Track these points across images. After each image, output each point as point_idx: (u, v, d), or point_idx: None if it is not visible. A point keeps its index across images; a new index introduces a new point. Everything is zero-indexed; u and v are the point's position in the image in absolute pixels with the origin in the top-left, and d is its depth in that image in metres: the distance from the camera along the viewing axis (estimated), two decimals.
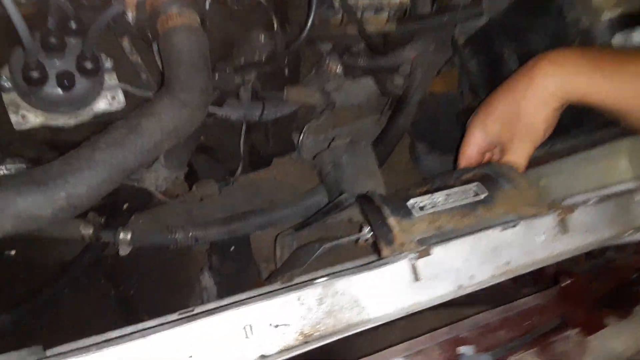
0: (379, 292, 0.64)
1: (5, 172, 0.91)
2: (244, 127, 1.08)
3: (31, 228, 0.57)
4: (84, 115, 0.91)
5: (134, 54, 0.92)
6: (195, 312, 0.75)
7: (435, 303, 0.65)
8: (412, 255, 0.66)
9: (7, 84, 0.84)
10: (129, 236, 1.06)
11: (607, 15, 0.92)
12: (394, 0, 1.05)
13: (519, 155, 0.89)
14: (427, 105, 1.26)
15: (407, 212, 0.73)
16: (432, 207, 0.76)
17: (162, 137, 0.68)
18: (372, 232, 0.93)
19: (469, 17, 1.15)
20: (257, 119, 1.08)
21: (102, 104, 0.91)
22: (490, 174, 0.85)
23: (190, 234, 1.07)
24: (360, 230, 0.96)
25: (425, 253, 0.66)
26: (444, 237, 0.73)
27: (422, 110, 1.25)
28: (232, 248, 1.22)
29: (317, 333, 0.59)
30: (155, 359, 0.51)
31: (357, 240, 0.95)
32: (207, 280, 1.26)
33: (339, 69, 1.14)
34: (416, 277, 0.65)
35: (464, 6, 1.14)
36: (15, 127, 0.84)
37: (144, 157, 0.66)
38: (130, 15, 0.77)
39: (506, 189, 0.82)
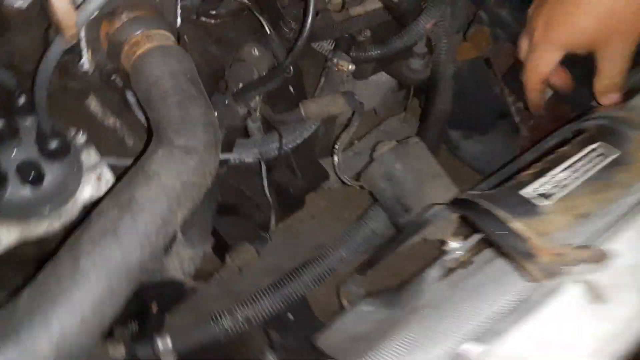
0: (553, 342, 0.41)
1: None
2: (263, 168, 0.87)
3: None
4: (70, 210, 0.71)
5: (109, 117, 0.72)
6: None
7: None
8: (577, 268, 0.43)
9: None
10: (169, 343, 0.85)
11: None
12: None
13: (615, 64, 0.68)
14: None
15: (529, 207, 0.51)
16: (558, 189, 0.54)
17: (170, 207, 0.47)
18: (464, 244, 0.71)
19: None
20: (276, 153, 0.87)
21: (87, 191, 0.72)
22: (605, 125, 0.64)
23: (239, 316, 0.86)
24: (443, 251, 0.75)
25: (599, 257, 0.43)
26: (593, 227, 0.51)
27: None
28: (291, 317, 1.00)
29: None
30: None
31: (451, 269, 0.73)
32: None
33: (351, 66, 0.94)
34: (597, 298, 0.43)
35: None
36: None
37: (152, 242, 0.46)
38: (86, 61, 0.58)
39: (637, 137, 0.60)
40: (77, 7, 0.51)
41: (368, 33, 1.00)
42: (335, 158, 0.87)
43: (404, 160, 0.80)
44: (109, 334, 0.84)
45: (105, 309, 0.43)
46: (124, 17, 0.56)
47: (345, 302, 1.00)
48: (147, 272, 0.48)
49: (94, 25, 0.55)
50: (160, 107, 0.51)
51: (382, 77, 1.20)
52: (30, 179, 0.63)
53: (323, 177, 0.99)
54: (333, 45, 0.97)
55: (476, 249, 0.69)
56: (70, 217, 0.70)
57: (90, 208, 0.71)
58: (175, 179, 0.47)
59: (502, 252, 0.48)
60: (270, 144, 0.87)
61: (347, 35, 0.97)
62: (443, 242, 0.79)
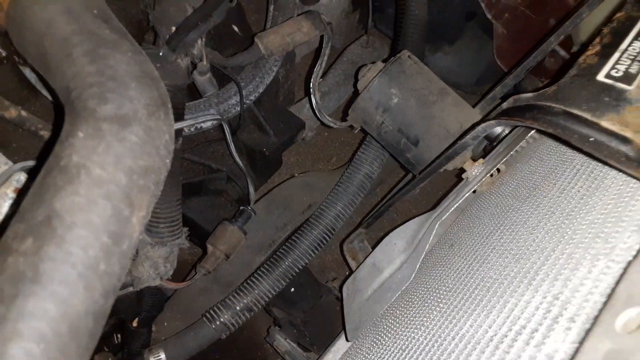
0: None
1: None
2: (227, 130, 0.70)
3: None
4: None
5: (8, 108, 0.53)
6: None
7: None
8: None
9: None
10: (162, 356, 0.70)
11: None
12: None
13: None
14: None
15: (614, 96, 0.37)
16: (639, 64, 0.40)
17: (116, 212, 0.30)
18: (488, 167, 0.58)
19: None
20: (237, 109, 0.70)
21: (5, 207, 0.54)
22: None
23: (238, 306, 0.71)
24: (461, 176, 0.61)
25: None
26: None
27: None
28: (292, 289, 0.86)
29: None
30: None
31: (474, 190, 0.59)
32: (283, 344, 0.90)
33: None
34: None
35: None
36: None
37: (103, 271, 0.29)
38: None
39: None
40: None
41: None
42: (313, 98, 0.70)
43: (399, 83, 0.64)
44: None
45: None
46: None
47: (351, 261, 0.87)
48: (106, 311, 0.32)
49: None
50: (64, 66, 0.33)
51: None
52: None
53: (298, 128, 0.83)
54: None
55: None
56: None
57: None
58: (113, 168, 0.31)
59: (604, 163, 0.34)
60: (228, 100, 0.70)
61: None
62: (461, 171, 0.65)
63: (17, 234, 0.29)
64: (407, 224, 0.67)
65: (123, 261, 0.31)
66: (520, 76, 0.64)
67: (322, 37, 0.70)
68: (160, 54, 0.56)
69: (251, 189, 0.78)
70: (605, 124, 0.35)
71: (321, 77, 0.76)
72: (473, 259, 0.52)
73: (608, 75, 0.39)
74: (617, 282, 0.28)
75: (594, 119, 0.35)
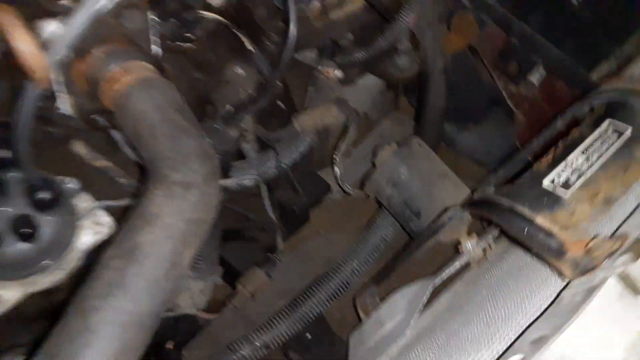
0: (596, 336, 0.38)
1: None
2: (263, 189, 0.84)
3: None
4: (70, 258, 0.68)
5: (98, 158, 0.69)
6: None
7: None
8: (615, 261, 0.40)
9: None
10: None
11: None
12: None
13: None
14: None
15: (552, 199, 0.49)
16: (578, 175, 0.51)
17: (176, 248, 0.44)
18: (481, 243, 0.68)
19: None
20: (274, 172, 0.85)
21: (86, 237, 0.69)
22: (612, 100, 0.61)
23: (258, 343, 0.82)
24: (458, 249, 0.72)
25: (635, 247, 0.40)
26: (620, 212, 0.48)
27: None
28: (309, 336, 0.97)
29: None
30: None
31: (467, 264, 0.70)
32: None
33: (337, 72, 0.91)
34: (634, 290, 0.40)
35: None
36: None
37: (162, 288, 0.43)
38: (63, 104, 0.55)
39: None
40: (44, 49, 0.48)
41: (350, 37, 0.98)
42: (336, 169, 0.84)
43: (408, 163, 0.77)
44: None
45: None
46: (96, 52, 0.53)
47: (362, 314, 0.97)
48: (159, 317, 0.45)
49: (65, 66, 0.52)
50: (150, 143, 0.48)
51: (370, 80, 1.18)
52: (23, 233, 0.60)
53: (325, 190, 0.96)
54: (317, 53, 0.95)
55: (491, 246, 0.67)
56: (72, 265, 0.68)
57: (92, 254, 0.68)
58: (177, 218, 0.45)
59: (531, 252, 0.45)
60: (267, 164, 0.84)
61: (329, 41, 0.95)
62: (458, 243, 0.76)
63: (112, 256, 0.43)
64: (411, 285, 0.78)
65: (175, 283, 0.44)
66: (524, 159, 0.74)
67: (348, 119, 0.84)
68: (217, 127, 0.72)
69: (279, 240, 0.91)
70: (539, 220, 0.46)
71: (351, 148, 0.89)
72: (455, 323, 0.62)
73: (552, 181, 0.50)
74: None
75: (531, 216, 0.46)
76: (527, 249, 0.45)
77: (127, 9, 0.55)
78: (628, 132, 0.55)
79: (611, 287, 0.40)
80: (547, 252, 0.43)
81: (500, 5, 0.95)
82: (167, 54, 0.72)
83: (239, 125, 0.75)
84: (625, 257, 0.40)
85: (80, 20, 0.50)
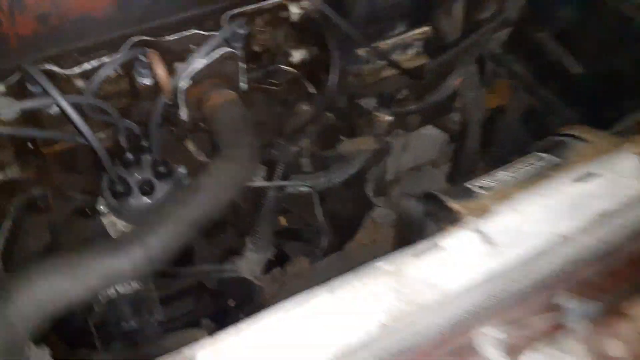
0: (453, 268, 0.60)
1: None
2: (315, 198, 1.12)
3: (116, 283, 0.63)
4: None
5: (201, 154, 1.04)
6: None
7: (517, 268, 0.59)
8: (477, 221, 0.62)
9: (104, 209, 0.98)
10: None
11: None
12: (417, 34, 1.11)
13: None
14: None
15: (469, 195, 0.71)
16: (496, 184, 0.72)
17: (219, 192, 0.74)
18: None
19: (497, 29, 1.17)
20: (326, 185, 1.13)
21: None
22: (562, 140, 0.80)
23: None
24: None
25: (483, 211, 0.62)
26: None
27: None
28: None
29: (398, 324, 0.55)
30: None
31: None
32: None
33: (388, 117, 1.18)
34: (489, 242, 0.61)
35: (490, 20, 1.17)
36: None
37: (207, 211, 0.72)
38: (182, 113, 0.90)
39: (579, 146, 0.77)
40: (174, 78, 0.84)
41: (406, 92, 1.25)
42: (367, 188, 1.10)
43: None
44: (194, 324, 1.11)
45: (174, 242, 0.67)
46: (204, 83, 0.88)
47: None
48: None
49: (185, 89, 0.87)
50: (221, 135, 0.80)
51: (434, 131, 1.42)
52: (145, 191, 0.94)
53: (368, 207, 1.22)
54: (376, 101, 1.23)
55: None
56: None
57: None
58: (223, 175, 0.75)
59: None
60: (319, 178, 1.13)
61: (386, 93, 1.23)
62: None
63: (186, 186, 0.75)
64: None
65: (216, 207, 0.74)
66: None
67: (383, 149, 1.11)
68: (282, 143, 1.03)
69: (325, 241, 1.18)
70: (450, 204, 0.68)
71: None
72: None
73: (479, 187, 0.72)
74: None
75: (446, 202, 0.69)
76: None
77: (226, 59, 0.89)
78: (554, 162, 0.75)
79: (475, 242, 0.61)
80: (449, 222, 0.66)
81: (527, 74, 1.16)
82: (258, 92, 1.06)
83: (298, 144, 1.05)
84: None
85: (198, 64, 0.86)
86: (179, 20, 0.89)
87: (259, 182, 1.04)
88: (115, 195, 0.92)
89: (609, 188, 0.66)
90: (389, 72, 1.15)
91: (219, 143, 0.81)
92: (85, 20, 0.83)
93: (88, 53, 0.84)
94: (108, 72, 0.84)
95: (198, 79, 0.87)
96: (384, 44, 1.07)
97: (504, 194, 0.69)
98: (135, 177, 0.94)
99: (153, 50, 0.82)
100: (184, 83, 0.86)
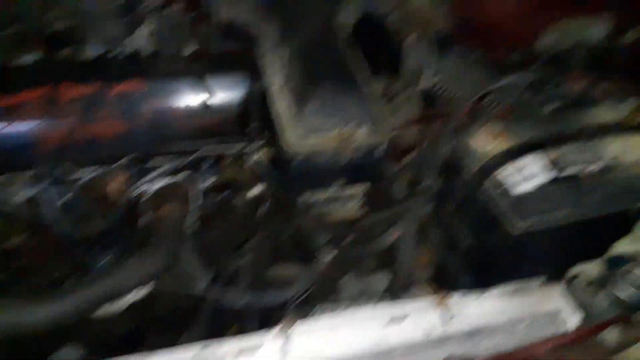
0: None
1: None
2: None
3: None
4: None
5: None
6: None
7: None
8: None
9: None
10: None
11: None
12: (355, 190, 1.35)
13: None
14: None
15: None
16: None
17: (123, 281, 0.98)
18: None
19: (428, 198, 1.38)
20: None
21: None
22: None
23: None
24: None
25: None
26: None
27: None
28: None
29: None
30: None
31: None
32: None
33: (329, 256, 1.38)
34: None
35: (424, 190, 1.39)
36: None
37: (107, 293, 0.95)
38: (142, 219, 1.19)
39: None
40: None
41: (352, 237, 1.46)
42: None
43: None
44: None
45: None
46: (161, 198, 1.18)
47: None
48: None
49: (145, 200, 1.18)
50: (154, 240, 1.08)
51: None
52: None
53: None
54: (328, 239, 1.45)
55: None
56: None
57: None
58: (135, 267, 1.01)
59: None
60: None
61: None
62: None
63: None
64: None
65: None
66: None
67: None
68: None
69: None
70: None
71: None
72: None
73: None
74: None
75: None
76: None
77: (182, 183, 1.20)
78: None
79: None
80: None
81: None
82: (221, 214, 1.34)
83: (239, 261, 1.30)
84: None
85: (159, 184, 1.17)
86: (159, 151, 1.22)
87: (199, 290, 1.26)
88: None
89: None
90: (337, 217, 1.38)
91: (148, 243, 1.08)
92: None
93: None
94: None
95: (158, 193, 1.17)
96: (322, 195, 1.32)
97: None
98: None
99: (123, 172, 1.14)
100: (146, 196, 1.16)
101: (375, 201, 1.44)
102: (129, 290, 1.00)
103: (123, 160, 1.10)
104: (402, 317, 0.83)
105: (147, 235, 1.21)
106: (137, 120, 1.14)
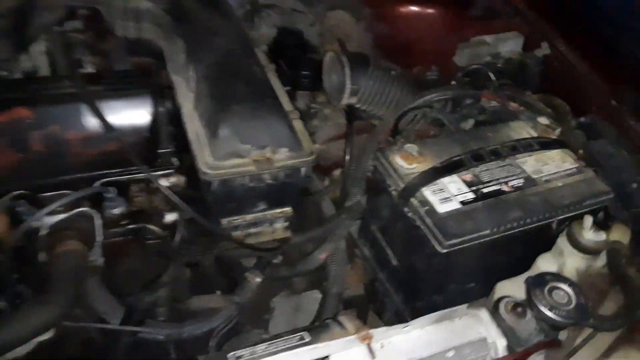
0: None
1: None
2: (171, 346, 1.22)
3: None
4: None
5: None
6: None
7: None
8: None
9: None
10: None
11: None
12: (277, 212, 1.29)
13: None
14: None
15: None
16: (251, 355, 0.84)
17: (21, 328, 0.87)
18: None
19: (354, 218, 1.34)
20: (179, 336, 1.23)
21: None
22: (327, 323, 0.92)
23: None
24: None
25: None
26: None
27: None
28: None
29: None
30: None
31: None
32: None
33: (257, 279, 1.31)
34: None
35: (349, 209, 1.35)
36: None
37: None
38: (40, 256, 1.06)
39: (332, 329, 0.89)
40: None
41: (280, 258, 1.40)
42: None
43: None
44: None
45: None
46: (59, 234, 1.06)
47: None
48: None
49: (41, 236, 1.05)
50: (51, 281, 0.96)
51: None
52: None
53: None
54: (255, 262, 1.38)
55: None
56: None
57: None
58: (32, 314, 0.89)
59: None
60: (174, 328, 1.25)
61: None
62: None
63: None
64: None
65: None
66: None
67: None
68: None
69: None
70: None
71: None
72: None
73: (233, 355, 0.83)
74: None
75: None
76: None
77: (82, 216, 1.08)
78: (307, 339, 0.87)
79: None
80: None
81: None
82: (133, 244, 1.23)
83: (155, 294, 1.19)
84: None
85: (55, 218, 1.05)
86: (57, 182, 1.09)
87: (112, 325, 1.15)
88: None
89: None
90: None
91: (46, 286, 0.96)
92: None
93: None
94: None
95: (54, 229, 1.05)
96: (243, 219, 1.25)
97: None
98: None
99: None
100: (43, 231, 1.03)
101: (302, 220, 1.39)
102: (23, 342, 0.88)
103: (4, 198, 0.98)
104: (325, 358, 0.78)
105: (45, 276, 1.10)
106: (29, 150, 1.01)
